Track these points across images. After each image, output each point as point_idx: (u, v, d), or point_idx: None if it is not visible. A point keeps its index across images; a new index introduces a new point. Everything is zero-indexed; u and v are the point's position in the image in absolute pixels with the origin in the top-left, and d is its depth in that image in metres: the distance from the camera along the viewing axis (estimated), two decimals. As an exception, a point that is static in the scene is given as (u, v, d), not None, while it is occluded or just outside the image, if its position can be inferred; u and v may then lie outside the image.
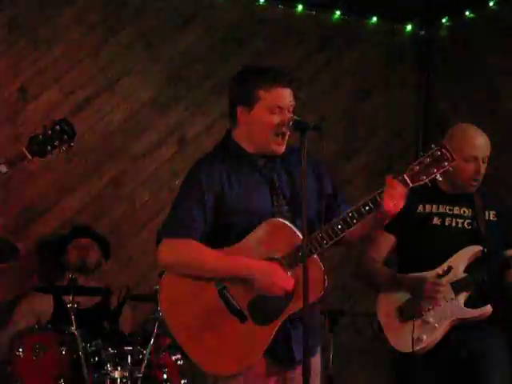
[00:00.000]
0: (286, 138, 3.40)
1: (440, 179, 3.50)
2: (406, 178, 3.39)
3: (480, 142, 4.16)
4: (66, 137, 3.65)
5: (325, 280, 3.25)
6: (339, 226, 3.35)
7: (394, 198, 3.35)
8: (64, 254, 5.34)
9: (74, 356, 4.51)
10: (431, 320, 4.07)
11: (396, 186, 3.36)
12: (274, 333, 3.29)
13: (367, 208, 3.37)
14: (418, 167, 3.41)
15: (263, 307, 3.31)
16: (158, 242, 3.41)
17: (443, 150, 3.42)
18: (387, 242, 4.24)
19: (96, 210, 5.61)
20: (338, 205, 3.52)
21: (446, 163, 3.41)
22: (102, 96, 5.60)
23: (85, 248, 5.32)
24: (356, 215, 3.37)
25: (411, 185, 3.38)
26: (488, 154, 4.15)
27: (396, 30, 6.52)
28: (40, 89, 5.42)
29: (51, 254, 5.45)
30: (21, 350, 4.54)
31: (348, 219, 3.35)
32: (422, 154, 3.46)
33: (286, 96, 3.41)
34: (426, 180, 3.40)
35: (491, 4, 5.90)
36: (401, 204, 3.36)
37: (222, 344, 3.29)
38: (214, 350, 3.29)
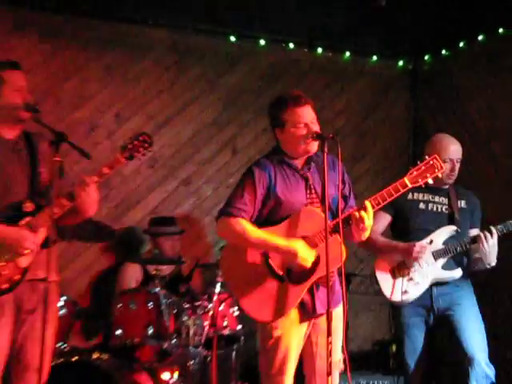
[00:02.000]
0: (316, 140, 3.52)
1: (432, 182, 3.59)
2: (407, 180, 3.52)
3: (454, 148, 4.42)
4: (146, 145, 3.77)
5: (343, 254, 3.45)
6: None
7: (359, 229, 3.45)
8: (155, 241, 5.52)
9: (159, 309, 4.78)
10: (416, 278, 4.35)
11: (360, 213, 3.43)
12: (304, 291, 3.55)
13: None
14: (415, 172, 3.54)
15: (297, 272, 3.54)
16: (217, 219, 3.65)
17: (435, 161, 3.57)
18: (384, 219, 4.51)
19: (172, 202, 6.00)
20: (348, 206, 3.69)
21: (436, 170, 3.56)
22: (175, 119, 6.03)
23: (177, 243, 5.56)
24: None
25: (410, 186, 3.51)
26: (460, 156, 4.44)
27: (391, 65, 6.80)
28: (130, 114, 5.89)
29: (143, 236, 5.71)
30: (120, 305, 4.85)
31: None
32: (418, 162, 3.59)
33: (305, 112, 3.55)
34: (421, 183, 3.55)
35: (461, 44, 6.23)
36: (364, 229, 3.44)
37: (266, 298, 3.54)
38: (259, 302, 3.55)
